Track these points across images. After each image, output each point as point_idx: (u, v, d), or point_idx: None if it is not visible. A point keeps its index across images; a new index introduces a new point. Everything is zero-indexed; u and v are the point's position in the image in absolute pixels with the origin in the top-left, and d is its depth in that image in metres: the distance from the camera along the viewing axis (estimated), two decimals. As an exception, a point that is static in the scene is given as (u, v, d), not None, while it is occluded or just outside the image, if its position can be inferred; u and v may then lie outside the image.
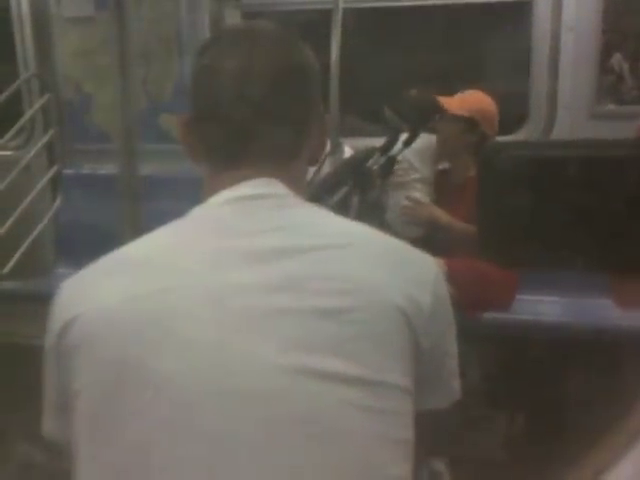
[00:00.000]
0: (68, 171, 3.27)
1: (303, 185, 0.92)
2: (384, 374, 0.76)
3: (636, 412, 0.64)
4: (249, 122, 0.85)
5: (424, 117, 2.63)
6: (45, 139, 3.21)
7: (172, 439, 0.73)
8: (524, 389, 2.47)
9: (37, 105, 3.19)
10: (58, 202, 3.23)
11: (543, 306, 2.60)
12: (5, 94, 3.00)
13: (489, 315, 2.49)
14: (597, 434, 0.62)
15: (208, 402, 0.73)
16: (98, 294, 0.80)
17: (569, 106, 2.81)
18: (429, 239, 2.55)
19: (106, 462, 0.76)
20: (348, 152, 2.73)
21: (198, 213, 0.85)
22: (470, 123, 2.56)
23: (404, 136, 2.39)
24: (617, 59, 2.78)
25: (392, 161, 2.26)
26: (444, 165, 2.77)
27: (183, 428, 0.73)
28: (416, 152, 2.70)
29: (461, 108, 2.56)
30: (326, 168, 2.44)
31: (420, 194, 2.72)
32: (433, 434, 0.86)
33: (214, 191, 0.85)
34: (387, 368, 0.76)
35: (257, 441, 0.73)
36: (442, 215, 2.57)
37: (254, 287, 0.77)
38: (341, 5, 2.59)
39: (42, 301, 0.87)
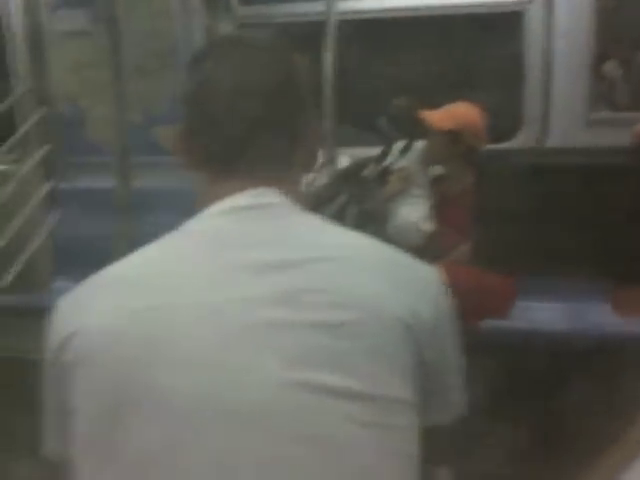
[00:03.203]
0: (64, 185, 3.26)
1: (299, 194, 0.91)
2: (385, 388, 0.75)
3: (640, 420, 0.63)
4: (244, 134, 0.84)
5: (417, 127, 2.65)
6: (41, 153, 3.20)
7: (173, 456, 0.72)
8: (523, 398, 2.46)
9: (32, 119, 3.18)
10: (55, 216, 3.22)
11: (542, 313, 2.60)
12: (0, 108, 2.99)
13: (488, 323, 2.48)
14: (603, 444, 0.62)
15: (209, 418, 0.73)
16: (95, 310, 0.79)
17: (563, 113, 2.82)
18: (429, 248, 2.55)
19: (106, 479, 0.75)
20: (344, 162, 2.74)
21: (193, 225, 0.84)
22: (454, 135, 2.58)
23: (399, 145, 2.39)
24: (611, 65, 2.79)
25: (387, 171, 2.26)
26: (440, 171, 2.78)
27: (184, 445, 0.72)
28: (415, 161, 2.71)
29: (444, 122, 2.59)
30: (322, 178, 2.44)
31: (420, 200, 2.72)
32: (436, 446, 0.85)
33: (209, 202, 0.84)
34: (389, 382, 0.75)
35: (259, 456, 0.72)
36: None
37: (252, 301, 0.76)
38: (334, 16, 2.60)
39: (40, 315, 0.86)
